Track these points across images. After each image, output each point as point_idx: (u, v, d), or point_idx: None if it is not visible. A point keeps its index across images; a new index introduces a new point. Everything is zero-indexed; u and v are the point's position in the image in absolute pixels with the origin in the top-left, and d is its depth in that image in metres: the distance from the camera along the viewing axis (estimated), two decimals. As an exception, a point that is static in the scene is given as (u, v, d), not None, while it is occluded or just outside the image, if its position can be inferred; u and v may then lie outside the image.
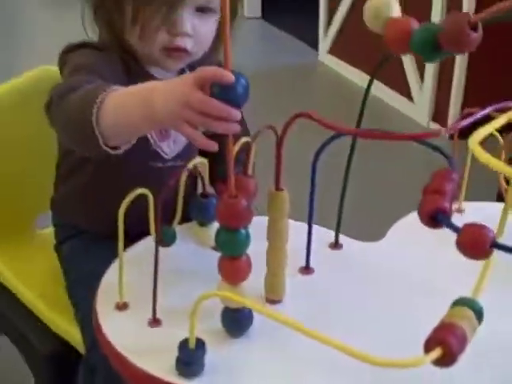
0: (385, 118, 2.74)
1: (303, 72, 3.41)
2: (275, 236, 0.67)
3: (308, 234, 0.75)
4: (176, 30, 0.83)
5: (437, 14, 2.53)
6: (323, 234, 0.83)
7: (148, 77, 0.87)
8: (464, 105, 2.51)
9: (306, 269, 0.76)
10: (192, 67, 0.90)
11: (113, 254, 0.69)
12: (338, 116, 3.19)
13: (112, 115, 0.65)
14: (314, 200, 0.73)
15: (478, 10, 2.38)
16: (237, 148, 0.68)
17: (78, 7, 0.88)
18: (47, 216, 1.06)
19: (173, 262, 0.74)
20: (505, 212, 0.60)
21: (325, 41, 3.48)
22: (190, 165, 0.68)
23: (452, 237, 0.48)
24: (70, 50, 0.85)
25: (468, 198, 0.90)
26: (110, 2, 0.84)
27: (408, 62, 2.75)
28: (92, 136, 0.66)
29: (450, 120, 2.54)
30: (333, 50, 3.43)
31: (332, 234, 0.82)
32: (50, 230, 1.06)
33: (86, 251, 0.94)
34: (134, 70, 0.87)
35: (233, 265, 0.60)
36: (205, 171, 0.74)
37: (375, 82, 0.63)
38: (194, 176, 0.81)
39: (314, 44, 3.69)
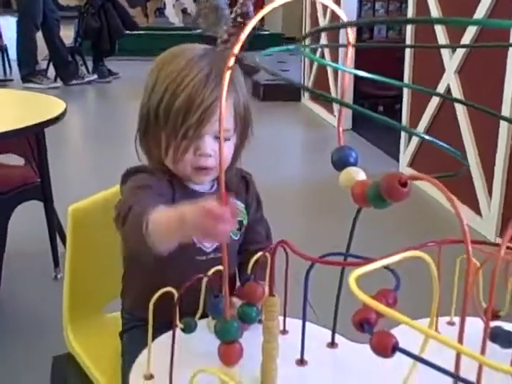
0: (455, 229, 2.82)
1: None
2: (266, 333, 0.86)
3: (302, 333, 0.93)
4: (200, 152, 1.09)
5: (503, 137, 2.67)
6: (323, 334, 1.01)
7: (188, 190, 1.13)
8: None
9: (301, 361, 0.94)
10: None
11: None
12: (414, 227, 3.27)
13: (157, 232, 0.89)
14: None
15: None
16: (255, 258, 0.90)
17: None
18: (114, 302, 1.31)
19: (193, 346, 0.94)
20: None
21: (405, 155, 3.69)
22: (210, 272, 0.90)
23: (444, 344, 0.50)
24: (129, 174, 1.11)
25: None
26: (150, 136, 1.12)
27: (478, 177, 2.89)
28: (146, 246, 0.90)
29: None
30: (413, 164, 3.63)
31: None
32: (116, 315, 1.30)
33: (141, 343, 0.98)
34: (177, 187, 1.12)
35: (226, 349, 0.80)
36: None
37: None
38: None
39: (396, 157, 3.90)
